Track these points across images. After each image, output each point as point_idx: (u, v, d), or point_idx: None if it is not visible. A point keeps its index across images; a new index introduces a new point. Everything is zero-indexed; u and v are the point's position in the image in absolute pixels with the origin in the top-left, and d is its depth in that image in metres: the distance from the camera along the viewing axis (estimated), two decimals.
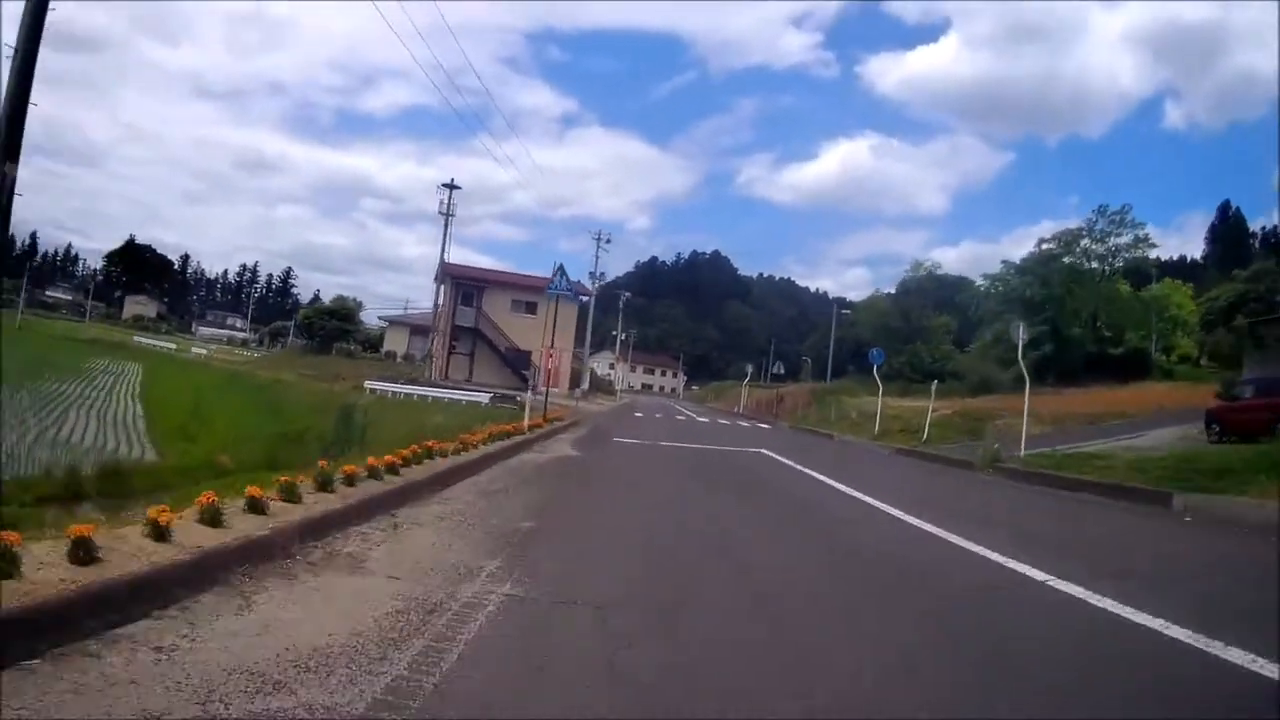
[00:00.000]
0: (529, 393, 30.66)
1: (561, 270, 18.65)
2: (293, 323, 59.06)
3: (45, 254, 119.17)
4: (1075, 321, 38.98)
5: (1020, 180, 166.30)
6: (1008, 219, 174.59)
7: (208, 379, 31.05)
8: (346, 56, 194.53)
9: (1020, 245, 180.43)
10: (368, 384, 32.21)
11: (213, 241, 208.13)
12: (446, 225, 41.84)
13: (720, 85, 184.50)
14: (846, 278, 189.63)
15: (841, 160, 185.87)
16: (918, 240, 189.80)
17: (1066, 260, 42.20)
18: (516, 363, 38.86)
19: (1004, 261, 44.30)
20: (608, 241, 51.26)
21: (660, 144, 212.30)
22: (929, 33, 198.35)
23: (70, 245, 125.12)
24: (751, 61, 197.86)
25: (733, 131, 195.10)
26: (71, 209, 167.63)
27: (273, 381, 34.71)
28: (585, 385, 49.67)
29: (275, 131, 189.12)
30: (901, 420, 24.70)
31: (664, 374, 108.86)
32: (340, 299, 58.39)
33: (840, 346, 55.49)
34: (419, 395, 28.79)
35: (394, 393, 29.34)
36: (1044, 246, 44.06)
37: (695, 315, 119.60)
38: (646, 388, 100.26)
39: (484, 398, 25.75)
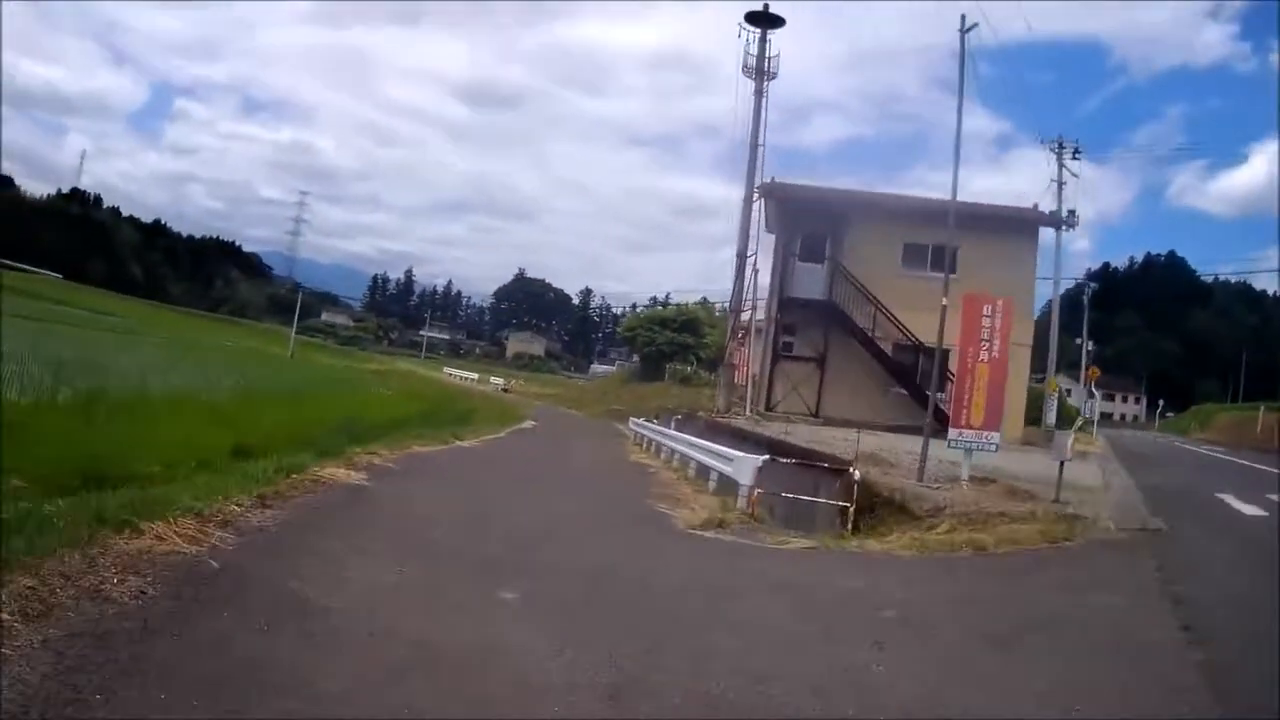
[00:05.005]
0: (950, 443, 8.13)
1: None
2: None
3: (423, 291, 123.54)
4: None
5: None
6: None
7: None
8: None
9: None
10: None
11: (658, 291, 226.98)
12: (759, 98, 23.14)
13: (1144, 91, 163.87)
14: None
15: (1270, 162, 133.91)
16: None
17: None
18: (908, 374, 19.78)
19: None
20: None
21: (1097, 159, 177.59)
22: None
23: (450, 283, 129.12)
24: (1173, 61, 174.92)
25: (1163, 139, 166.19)
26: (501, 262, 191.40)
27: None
28: (1052, 418, 27.11)
29: (708, 175, 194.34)
30: None
31: (1125, 399, 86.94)
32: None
33: None
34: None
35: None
36: None
37: (1152, 326, 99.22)
38: (1105, 416, 76.47)
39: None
